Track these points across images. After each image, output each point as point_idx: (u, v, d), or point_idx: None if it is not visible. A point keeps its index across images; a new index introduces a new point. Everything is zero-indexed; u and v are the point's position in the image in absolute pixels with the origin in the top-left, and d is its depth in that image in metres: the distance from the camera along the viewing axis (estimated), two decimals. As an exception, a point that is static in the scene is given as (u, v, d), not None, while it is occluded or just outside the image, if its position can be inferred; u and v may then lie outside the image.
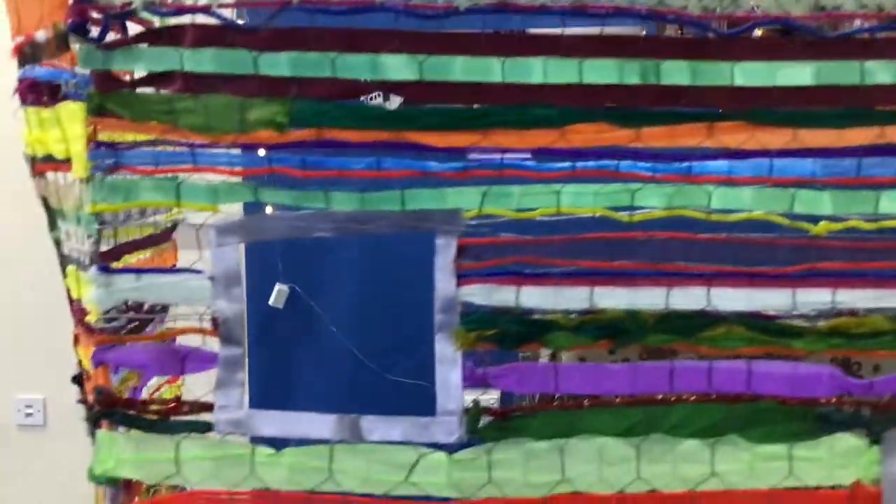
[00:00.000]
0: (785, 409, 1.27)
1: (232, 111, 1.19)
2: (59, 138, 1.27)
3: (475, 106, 1.19)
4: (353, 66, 1.16)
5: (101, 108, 1.20)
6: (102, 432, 1.24)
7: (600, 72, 1.18)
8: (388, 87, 1.17)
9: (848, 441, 1.27)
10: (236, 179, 1.24)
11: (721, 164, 1.25)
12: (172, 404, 1.26)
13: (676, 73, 1.19)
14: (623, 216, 1.25)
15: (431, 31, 1.15)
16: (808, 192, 1.25)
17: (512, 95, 1.17)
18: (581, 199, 1.25)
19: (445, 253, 1.23)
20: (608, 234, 1.26)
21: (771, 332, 1.26)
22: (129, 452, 1.24)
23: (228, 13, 1.16)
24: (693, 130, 1.22)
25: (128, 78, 1.22)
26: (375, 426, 1.25)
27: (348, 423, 1.25)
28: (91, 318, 1.24)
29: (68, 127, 1.23)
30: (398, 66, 1.16)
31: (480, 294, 1.24)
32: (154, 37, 1.18)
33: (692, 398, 1.28)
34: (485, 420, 1.23)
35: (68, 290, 1.49)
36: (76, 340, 1.51)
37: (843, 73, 1.19)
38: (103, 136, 1.23)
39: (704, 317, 1.26)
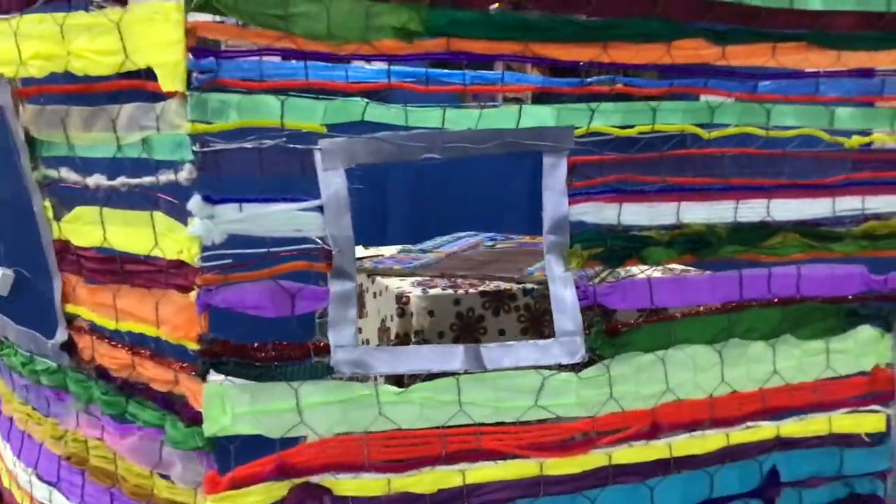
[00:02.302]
0: (825, 307, 1.41)
1: (358, 16, 1.07)
2: (112, 49, 1.07)
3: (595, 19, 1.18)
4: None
5: (205, 7, 1.02)
6: (212, 385, 1.07)
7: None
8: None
9: (868, 332, 1.44)
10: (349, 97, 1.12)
11: (780, 83, 1.35)
12: (286, 349, 1.11)
13: (755, -6, 1.26)
14: (704, 133, 1.31)
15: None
16: (845, 108, 1.38)
17: (629, 7, 1.18)
18: (672, 117, 1.28)
19: (555, 173, 1.21)
20: (691, 150, 1.30)
21: (817, 238, 1.38)
22: (245, 405, 1.08)
23: None
24: (762, 50, 1.30)
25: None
26: (496, 353, 1.20)
27: (471, 353, 1.18)
28: (188, 257, 1.06)
29: (151, 32, 1.03)
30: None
31: (590, 213, 1.23)
32: (272, -72, 1.03)
33: (756, 304, 1.37)
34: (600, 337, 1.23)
35: (61, 240, 1.27)
36: (67, 297, 1.29)
37: (874, 2, 1.33)
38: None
39: (765, 227, 1.35)
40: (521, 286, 2.16)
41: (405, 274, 2.28)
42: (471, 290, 2.11)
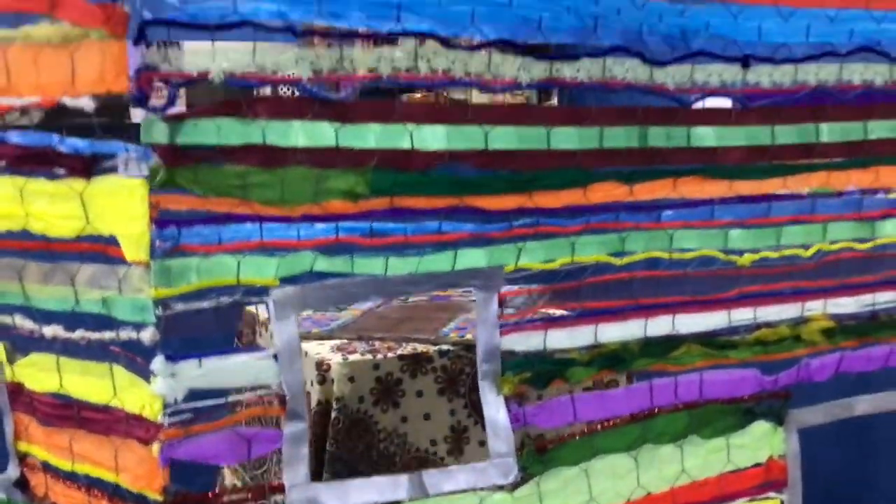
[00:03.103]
0: (724, 408, 1.56)
1: (309, 182, 1.16)
2: (74, 215, 1.13)
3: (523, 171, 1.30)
4: (429, 137, 1.21)
5: (167, 184, 1.10)
6: (177, 535, 1.13)
7: (615, 139, 1.36)
8: (456, 157, 1.24)
9: (763, 427, 1.60)
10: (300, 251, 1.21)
11: (681, 212, 1.50)
12: (246, 493, 1.19)
13: (658, 137, 1.41)
14: (616, 260, 1.44)
15: (500, 105, 1.24)
16: (737, 230, 1.55)
17: (553, 161, 1.31)
18: (588, 249, 1.41)
19: (488, 307, 1.32)
20: (606, 277, 1.44)
21: (716, 347, 1.53)
22: (210, 551, 1.15)
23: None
24: (665, 185, 1.45)
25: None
26: (437, 480, 1.30)
27: (415, 481, 1.28)
28: (151, 414, 1.13)
29: (115, 204, 1.10)
30: (467, 137, 1.23)
31: (520, 342, 1.35)
32: (230, 108, 1.12)
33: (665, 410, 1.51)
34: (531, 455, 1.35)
35: (14, 382, 1.31)
36: (19, 435, 1.33)
37: (760, 136, 1.50)
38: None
39: (671, 340, 1.50)
40: (437, 348, 2.28)
41: (324, 337, 2.37)
42: (389, 354, 2.22)
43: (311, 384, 2.21)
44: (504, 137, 1.26)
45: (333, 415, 2.18)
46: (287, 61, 1.11)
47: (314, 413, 2.19)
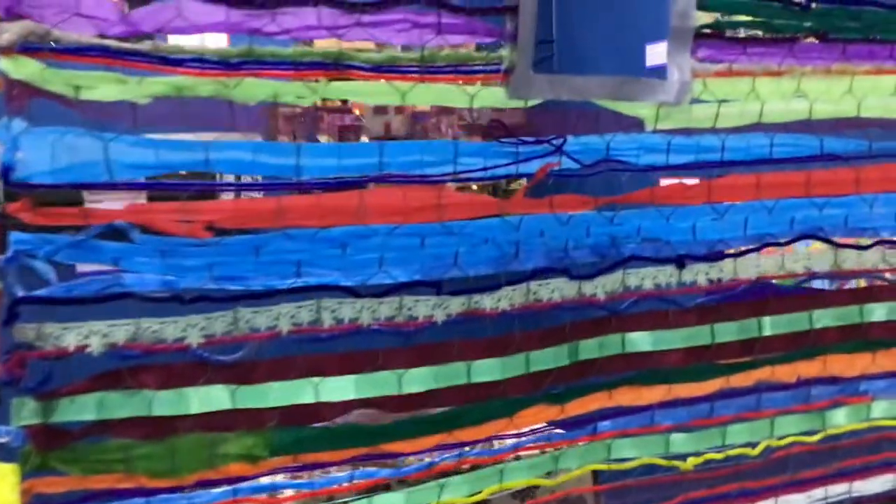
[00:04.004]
0: None
1: (202, 449, 1.07)
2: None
3: (438, 411, 1.22)
4: (336, 389, 1.12)
5: (41, 468, 1.00)
6: None
7: (543, 362, 1.27)
8: (367, 404, 1.15)
9: None
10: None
11: (618, 421, 1.41)
12: None
13: (590, 350, 1.33)
14: (550, 481, 1.35)
15: (412, 346, 1.16)
16: (679, 434, 1.46)
17: (475, 395, 1.22)
18: (520, 474, 1.32)
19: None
20: (539, 500, 1.35)
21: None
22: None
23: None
24: (599, 397, 1.36)
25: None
26: None
27: None
28: None
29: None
30: (378, 384, 1.15)
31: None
32: (112, 381, 1.02)
33: None
34: None
35: None
36: None
37: (699, 336, 1.43)
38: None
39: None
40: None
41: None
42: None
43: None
44: (419, 379, 1.17)
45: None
46: (175, 330, 1.02)
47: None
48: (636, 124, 1.32)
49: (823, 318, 1.52)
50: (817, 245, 1.51)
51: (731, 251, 1.43)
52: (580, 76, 1.26)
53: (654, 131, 1.33)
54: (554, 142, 1.25)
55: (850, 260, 1.52)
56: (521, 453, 1.32)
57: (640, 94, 1.32)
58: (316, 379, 1.11)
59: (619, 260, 1.35)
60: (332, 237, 1.07)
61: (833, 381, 1.55)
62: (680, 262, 1.40)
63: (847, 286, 1.62)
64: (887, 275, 1.55)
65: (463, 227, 1.16)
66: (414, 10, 1.07)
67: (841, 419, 1.57)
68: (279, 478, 1.18)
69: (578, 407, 1.34)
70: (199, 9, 0.97)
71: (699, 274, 1.42)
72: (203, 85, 0.98)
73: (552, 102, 1.22)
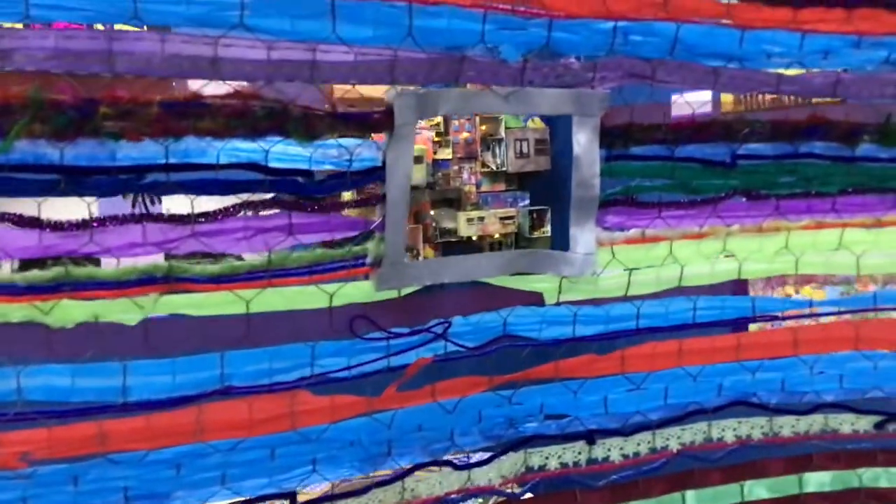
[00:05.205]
0: None
1: None
2: None
3: None
4: None
5: None
6: None
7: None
8: None
9: None
10: None
11: None
12: None
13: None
14: None
15: None
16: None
17: None
18: None
19: None
20: None
21: None
22: None
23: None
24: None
25: None
26: None
27: None
28: None
29: None
30: None
31: None
32: None
33: None
34: None
35: None
36: None
37: None
38: None
39: None
40: None
41: None
42: None
43: None
44: None
45: None
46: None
47: None
48: (535, 300, 1.23)
49: (757, 488, 1.41)
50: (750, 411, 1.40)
51: (649, 422, 1.33)
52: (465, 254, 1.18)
53: (558, 304, 1.24)
54: (435, 329, 1.16)
55: (788, 426, 1.41)
56: None
57: (539, 267, 1.23)
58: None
59: (520, 439, 1.26)
60: (164, 459, 1.00)
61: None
62: (590, 437, 1.31)
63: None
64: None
65: (322, 431, 1.08)
66: (257, 216, 0.99)
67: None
68: None
69: None
70: (8, 234, 0.91)
71: (612, 449, 1.33)
72: (15, 311, 0.92)
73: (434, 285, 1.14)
